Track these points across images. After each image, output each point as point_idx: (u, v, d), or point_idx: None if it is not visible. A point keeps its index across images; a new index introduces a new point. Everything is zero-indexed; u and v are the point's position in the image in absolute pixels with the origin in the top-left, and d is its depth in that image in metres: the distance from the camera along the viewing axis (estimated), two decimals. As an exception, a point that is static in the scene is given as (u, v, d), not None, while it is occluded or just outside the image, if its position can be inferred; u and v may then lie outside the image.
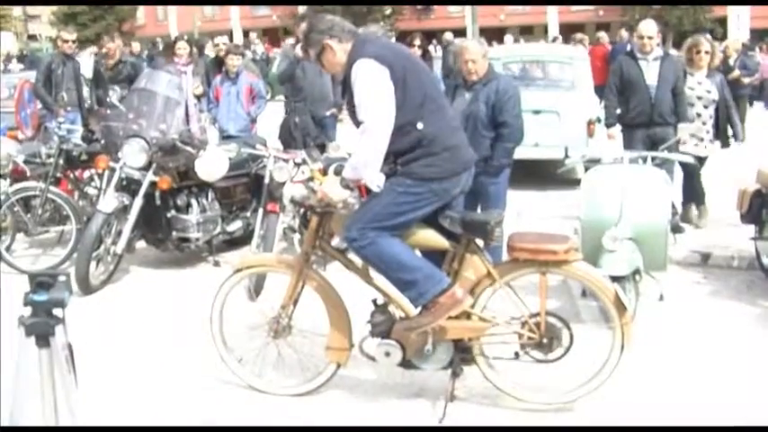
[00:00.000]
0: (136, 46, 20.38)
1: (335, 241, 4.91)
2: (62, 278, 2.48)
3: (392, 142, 4.40)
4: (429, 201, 4.55)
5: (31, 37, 60.32)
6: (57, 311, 2.48)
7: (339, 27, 4.61)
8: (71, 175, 8.75)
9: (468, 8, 32.63)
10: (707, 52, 8.46)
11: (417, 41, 9.80)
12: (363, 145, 4.40)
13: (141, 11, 57.25)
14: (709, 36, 8.79)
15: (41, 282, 2.46)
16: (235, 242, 8.47)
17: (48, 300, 2.44)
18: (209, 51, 16.03)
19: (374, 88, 4.37)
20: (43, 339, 2.46)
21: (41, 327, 2.44)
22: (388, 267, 4.57)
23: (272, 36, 47.20)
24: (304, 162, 5.10)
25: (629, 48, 13.09)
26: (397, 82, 4.39)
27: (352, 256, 4.88)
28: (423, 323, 4.60)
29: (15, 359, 2.60)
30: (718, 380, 5.29)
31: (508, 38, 22.35)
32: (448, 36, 21.41)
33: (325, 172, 4.90)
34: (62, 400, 2.46)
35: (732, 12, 42.50)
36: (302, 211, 4.88)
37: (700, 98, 8.50)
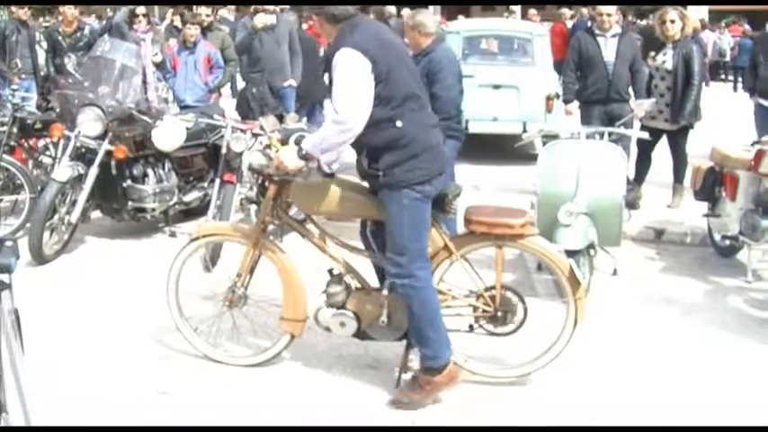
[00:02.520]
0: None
1: (293, 211, 4.90)
2: (8, 243, 2.45)
3: (368, 135, 4.34)
4: (426, 203, 4.50)
5: (-16, 3, 59.26)
6: (2, 277, 2.45)
7: (329, 10, 4.45)
8: (25, 144, 8.63)
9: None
10: (672, 21, 8.45)
11: (371, 16, 9.67)
12: (330, 133, 4.33)
13: (99, -22, 56.39)
14: (680, 8, 8.68)
15: (-14, 248, 2.43)
16: (191, 213, 8.43)
17: (-7, 265, 2.41)
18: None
19: (352, 82, 4.28)
20: (-12, 305, 2.43)
21: (-14, 292, 2.41)
22: (423, 317, 4.52)
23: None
24: (262, 129, 5.07)
25: (589, 24, 13.12)
26: (379, 76, 4.29)
27: (309, 225, 4.88)
28: (415, 400, 4.59)
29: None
30: (670, 355, 5.37)
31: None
32: (391, 9, 21.01)
33: (284, 142, 4.86)
34: (7, 366, 2.43)
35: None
36: (260, 179, 4.88)
37: (657, 69, 8.53)
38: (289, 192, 4.74)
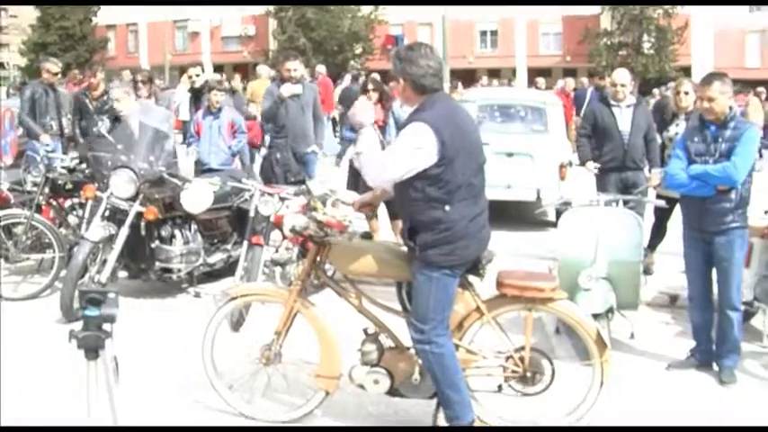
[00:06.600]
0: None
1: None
2: (111, 295, 2.64)
3: (416, 208, 4.57)
4: (454, 278, 4.69)
5: (-1, 65, 60.01)
6: (106, 326, 2.64)
7: (418, 78, 4.57)
8: (54, 204, 8.83)
9: (438, 50, 33.03)
10: (686, 92, 8.66)
11: (371, 86, 9.74)
12: (371, 162, 4.66)
13: (112, 42, 57.21)
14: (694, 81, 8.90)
15: (92, 298, 2.62)
16: (214, 274, 8.56)
17: (99, 315, 2.60)
18: (184, 83, 16.03)
19: (412, 151, 4.46)
20: (93, 352, 2.61)
21: (92, 340, 2.60)
22: (443, 379, 4.71)
23: (243, 72, 47.40)
24: (308, 192, 5.28)
25: (589, 93, 13.40)
26: (443, 159, 4.45)
27: (345, 284, 5.07)
28: None
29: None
30: (688, 418, 5.50)
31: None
32: (375, 77, 21.44)
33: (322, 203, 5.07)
34: (107, 409, 2.60)
35: (696, 61, 43.70)
36: (300, 240, 5.13)
37: (671, 140, 8.72)
38: (328, 253, 4.94)
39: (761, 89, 25.68)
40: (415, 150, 4.46)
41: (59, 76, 11.39)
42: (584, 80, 25.48)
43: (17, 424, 4.43)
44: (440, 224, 4.54)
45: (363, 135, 4.66)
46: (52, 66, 11.07)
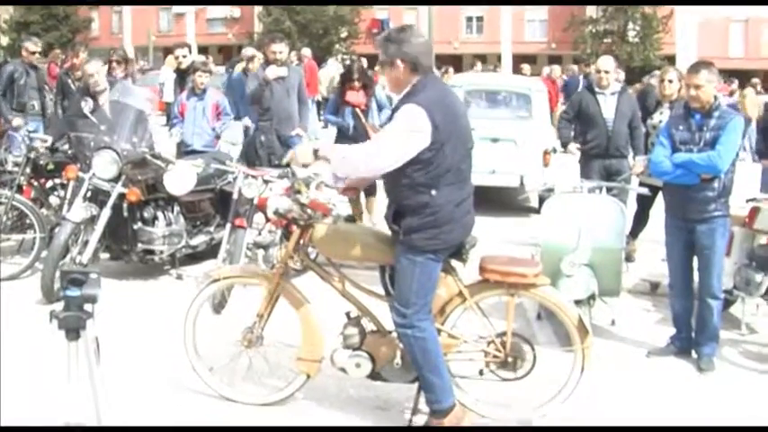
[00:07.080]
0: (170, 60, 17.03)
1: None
2: (93, 275, 2.63)
3: (402, 193, 4.56)
4: (438, 262, 4.69)
5: (-20, 43, 59.51)
6: (87, 307, 2.63)
7: (416, 56, 4.55)
8: (36, 184, 8.77)
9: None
10: (670, 81, 8.69)
11: (356, 75, 9.78)
12: (357, 157, 4.55)
13: (96, 22, 56.91)
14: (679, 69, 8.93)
15: (74, 279, 2.62)
16: (196, 256, 8.55)
17: (80, 295, 2.59)
18: (169, 64, 15.97)
19: (408, 134, 4.44)
20: (74, 332, 2.61)
21: (73, 321, 2.59)
22: (425, 364, 4.71)
23: (227, 54, 47.23)
24: (292, 175, 5.24)
25: (581, 81, 13.43)
26: (434, 143, 4.44)
27: (329, 268, 5.07)
28: None
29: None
30: (667, 406, 5.55)
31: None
32: (362, 63, 21.40)
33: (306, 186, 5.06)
34: (87, 383, 2.60)
35: (680, 50, 43.78)
36: (284, 223, 5.12)
37: (654, 128, 8.76)
38: (312, 236, 4.93)
39: (755, 80, 25.43)
40: (410, 133, 4.44)
41: (38, 55, 11.27)
42: (575, 67, 25.41)
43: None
44: (426, 208, 4.54)
45: (328, 149, 4.63)
46: (31, 45, 11.00)
